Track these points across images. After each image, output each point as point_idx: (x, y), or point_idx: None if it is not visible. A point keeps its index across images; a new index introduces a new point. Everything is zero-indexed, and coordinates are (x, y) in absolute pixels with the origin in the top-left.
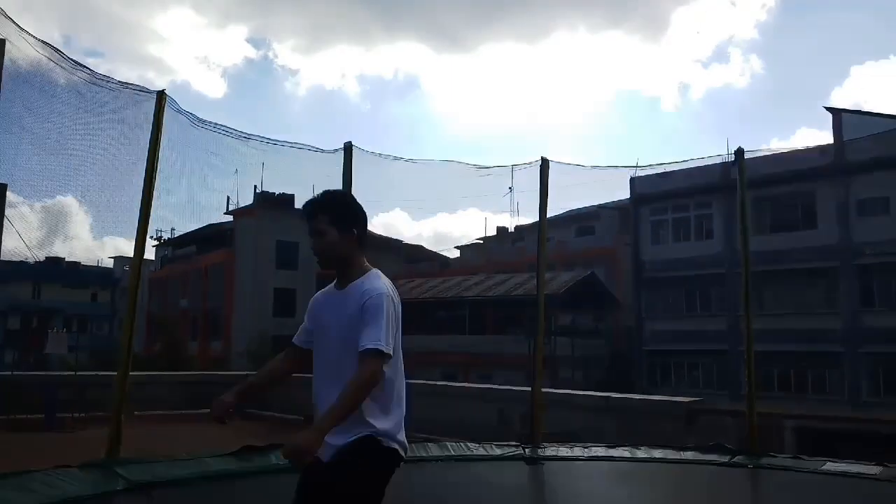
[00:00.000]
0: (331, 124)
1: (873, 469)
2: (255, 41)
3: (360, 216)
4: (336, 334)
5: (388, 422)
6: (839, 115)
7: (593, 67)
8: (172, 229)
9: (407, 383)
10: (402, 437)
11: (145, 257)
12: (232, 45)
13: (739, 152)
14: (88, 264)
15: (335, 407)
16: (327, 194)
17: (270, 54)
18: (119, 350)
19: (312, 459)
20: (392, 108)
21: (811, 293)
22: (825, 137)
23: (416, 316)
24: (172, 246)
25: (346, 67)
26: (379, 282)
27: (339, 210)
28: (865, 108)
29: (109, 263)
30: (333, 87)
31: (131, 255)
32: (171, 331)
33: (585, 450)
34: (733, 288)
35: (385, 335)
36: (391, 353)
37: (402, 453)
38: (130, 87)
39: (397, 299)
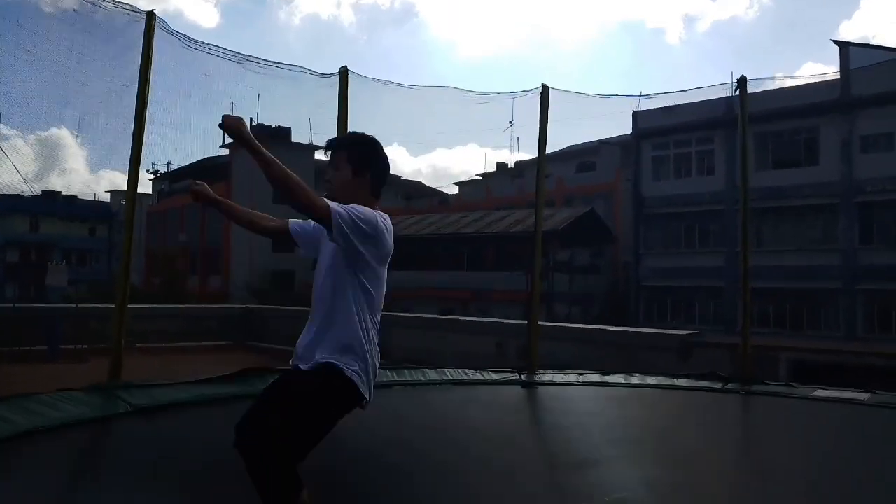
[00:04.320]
0: (326, 55)
1: (862, 395)
2: None
3: (380, 162)
4: (324, 268)
5: (356, 361)
6: (847, 49)
7: None
8: (169, 163)
9: (406, 315)
10: (368, 379)
11: (143, 191)
12: None
13: (742, 81)
14: (85, 198)
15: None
16: (353, 133)
17: None
18: (117, 282)
19: None
20: (389, 37)
21: (810, 230)
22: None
23: (414, 252)
24: (169, 180)
25: None
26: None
27: (359, 149)
28: (875, 42)
29: (106, 198)
30: (329, 16)
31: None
32: (171, 265)
33: (580, 376)
34: (733, 224)
35: (347, 212)
36: (338, 221)
37: (364, 393)
38: (119, 4)
39: (387, 226)
